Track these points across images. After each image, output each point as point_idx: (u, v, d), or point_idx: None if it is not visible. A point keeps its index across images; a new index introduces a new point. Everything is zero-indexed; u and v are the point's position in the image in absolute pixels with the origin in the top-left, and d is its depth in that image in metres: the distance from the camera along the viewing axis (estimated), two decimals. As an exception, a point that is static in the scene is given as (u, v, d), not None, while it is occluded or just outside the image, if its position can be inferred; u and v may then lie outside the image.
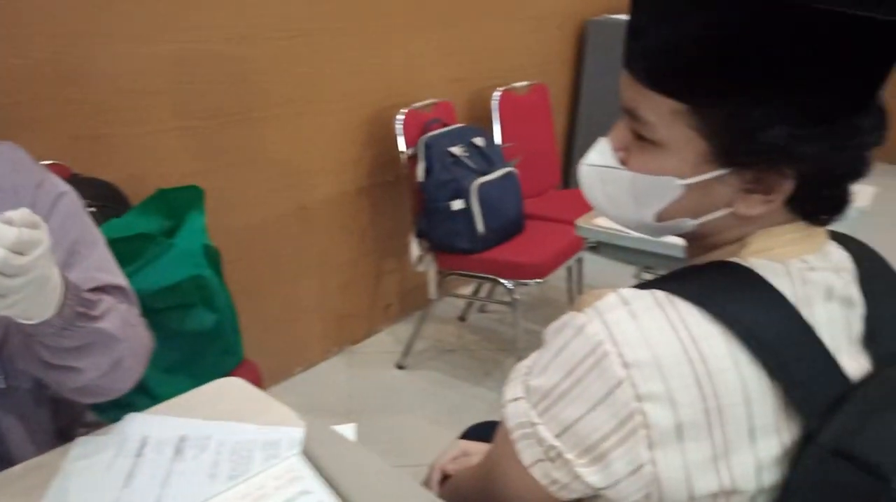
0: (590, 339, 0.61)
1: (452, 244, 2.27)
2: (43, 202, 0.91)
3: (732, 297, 0.61)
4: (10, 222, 0.68)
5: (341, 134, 2.32)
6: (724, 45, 0.58)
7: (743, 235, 0.66)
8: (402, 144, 2.30)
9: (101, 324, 0.83)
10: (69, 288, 0.79)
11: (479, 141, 2.37)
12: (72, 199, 0.96)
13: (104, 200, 1.55)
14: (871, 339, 0.66)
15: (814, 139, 0.59)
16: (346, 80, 2.26)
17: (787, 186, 0.62)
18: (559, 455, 0.63)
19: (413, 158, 2.29)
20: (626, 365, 0.59)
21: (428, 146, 2.23)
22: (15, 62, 1.52)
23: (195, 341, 1.41)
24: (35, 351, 0.81)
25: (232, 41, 1.92)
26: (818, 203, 0.64)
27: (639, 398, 0.58)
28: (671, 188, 0.65)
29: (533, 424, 0.64)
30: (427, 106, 2.41)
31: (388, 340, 2.65)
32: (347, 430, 0.90)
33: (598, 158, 0.70)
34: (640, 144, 0.66)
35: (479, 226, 2.24)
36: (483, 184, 2.25)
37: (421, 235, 2.35)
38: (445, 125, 2.36)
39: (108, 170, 1.69)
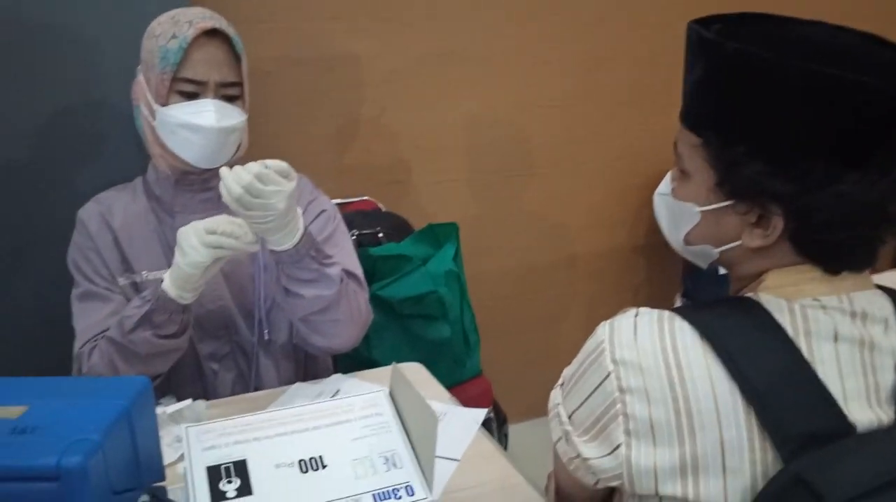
0: (597, 338, 0.73)
1: (713, 307, 2.24)
2: (309, 211, 1.29)
3: (725, 322, 0.68)
4: (265, 165, 1.04)
5: (617, 192, 2.48)
6: (713, 88, 0.67)
7: (761, 271, 0.72)
8: (673, 205, 2.37)
9: (327, 270, 1.15)
10: (308, 236, 1.13)
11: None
12: (329, 215, 1.32)
13: (392, 229, 1.95)
14: None
15: (785, 179, 0.65)
16: (620, 145, 2.43)
17: (778, 223, 0.67)
18: (568, 433, 0.75)
19: (683, 219, 2.34)
20: (614, 361, 0.70)
21: (696, 207, 2.27)
22: (340, 122, 2.03)
23: (432, 347, 1.70)
24: (279, 279, 1.15)
25: (515, 108, 2.24)
26: (816, 246, 0.68)
27: (621, 390, 0.69)
28: (691, 214, 0.74)
29: (557, 405, 0.78)
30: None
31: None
32: (479, 414, 1.08)
33: (662, 187, 0.81)
34: (681, 175, 0.76)
35: (745, 291, 2.19)
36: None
37: (687, 296, 2.37)
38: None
39: (406, 208, 2.10)
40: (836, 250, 0.68)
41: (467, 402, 1.84)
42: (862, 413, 0.64)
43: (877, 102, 0.62)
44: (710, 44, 0.68)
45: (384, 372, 1.28)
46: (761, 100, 0.65)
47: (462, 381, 1.82)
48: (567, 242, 2.46)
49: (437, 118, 2.15)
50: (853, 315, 0.67)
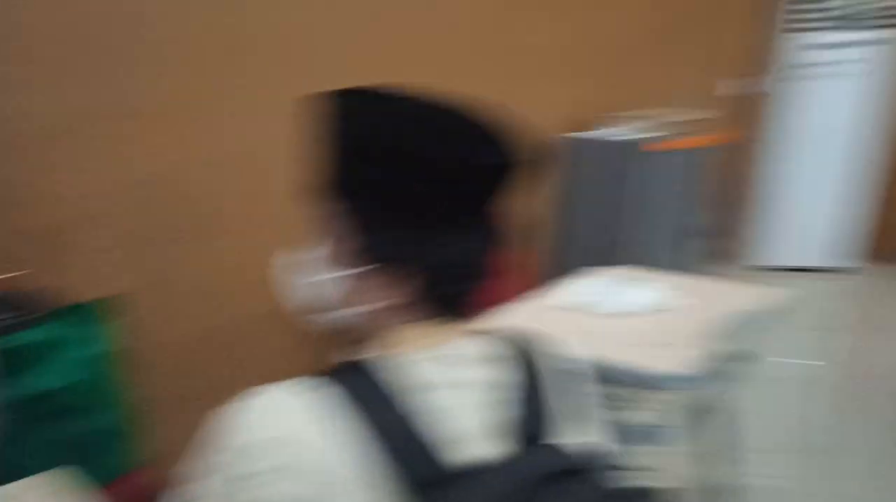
0: (221, 424, 0.72)
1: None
2: None
3: (348, 389, 0.71)
4: None
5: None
6: (344, 158, 0.76)
7: (390, 329, 0.77)
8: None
9: None
10: None
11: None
12: None
13: (40, 310, 1.72)
14: (520, 425, 0.76)
15: (412, 242, 0.74)
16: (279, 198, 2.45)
17: (410, 283, 0.74)
18: None
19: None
20: (224, 448, 0.70)
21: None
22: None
23: (89, 442, 1.55)
24: None
25: (185, 167, 2.13)
26: (435, 302, 0.76)
27: (254, 473, 0.68)
28: (333, 279, 0.78)
29: None
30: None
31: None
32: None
33: (306, 254, 0.82)
34: (325, 242, 0.79)
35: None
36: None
37: (333, 358, 2.47)
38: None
39: (67, 280, 1.85)
40: (451, 303, 0.77)
41: (135, 494, 1.71)
42: (482, 449, 0.71)
43: (462, 173, 0.74)
44: (341, 117, 0.76)
45: (26, 484, 1.12)
46: (383, 171, 0.73)
47: (128, 473, 1.68)
48: (238, 306, 2.41)
49: (102, 179, 1.96)
50: (465, 361, 0.76)
